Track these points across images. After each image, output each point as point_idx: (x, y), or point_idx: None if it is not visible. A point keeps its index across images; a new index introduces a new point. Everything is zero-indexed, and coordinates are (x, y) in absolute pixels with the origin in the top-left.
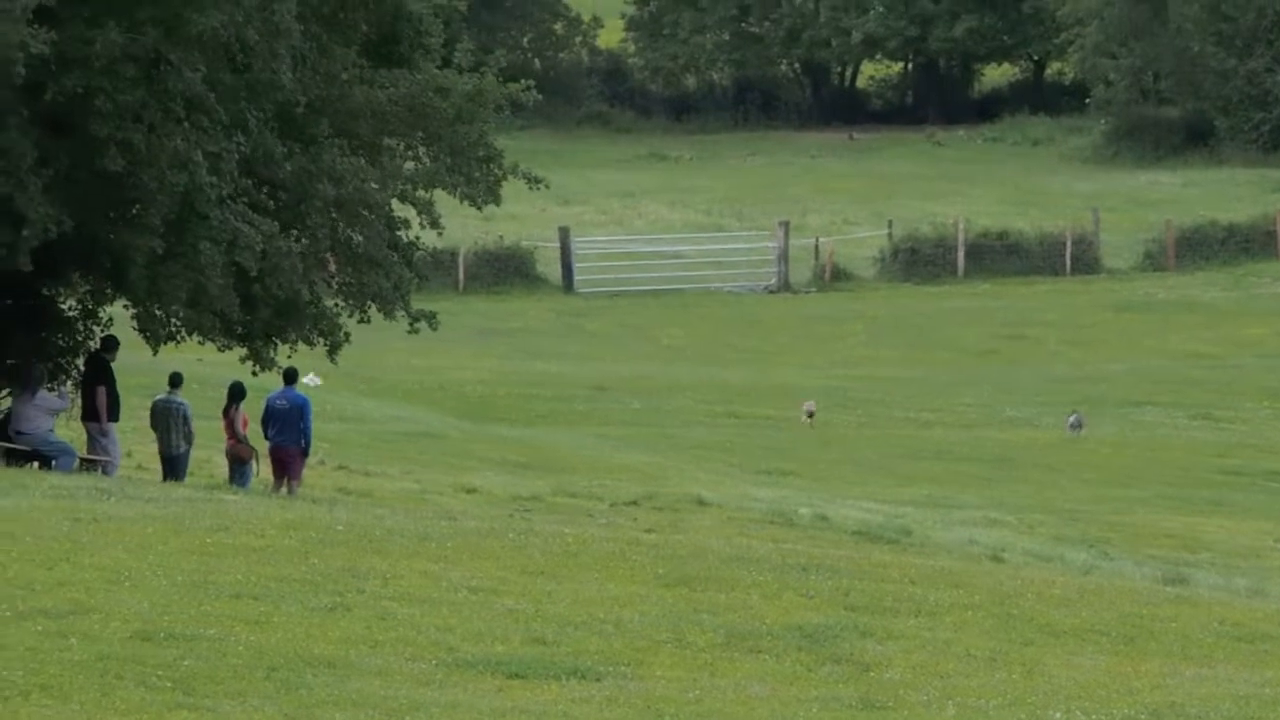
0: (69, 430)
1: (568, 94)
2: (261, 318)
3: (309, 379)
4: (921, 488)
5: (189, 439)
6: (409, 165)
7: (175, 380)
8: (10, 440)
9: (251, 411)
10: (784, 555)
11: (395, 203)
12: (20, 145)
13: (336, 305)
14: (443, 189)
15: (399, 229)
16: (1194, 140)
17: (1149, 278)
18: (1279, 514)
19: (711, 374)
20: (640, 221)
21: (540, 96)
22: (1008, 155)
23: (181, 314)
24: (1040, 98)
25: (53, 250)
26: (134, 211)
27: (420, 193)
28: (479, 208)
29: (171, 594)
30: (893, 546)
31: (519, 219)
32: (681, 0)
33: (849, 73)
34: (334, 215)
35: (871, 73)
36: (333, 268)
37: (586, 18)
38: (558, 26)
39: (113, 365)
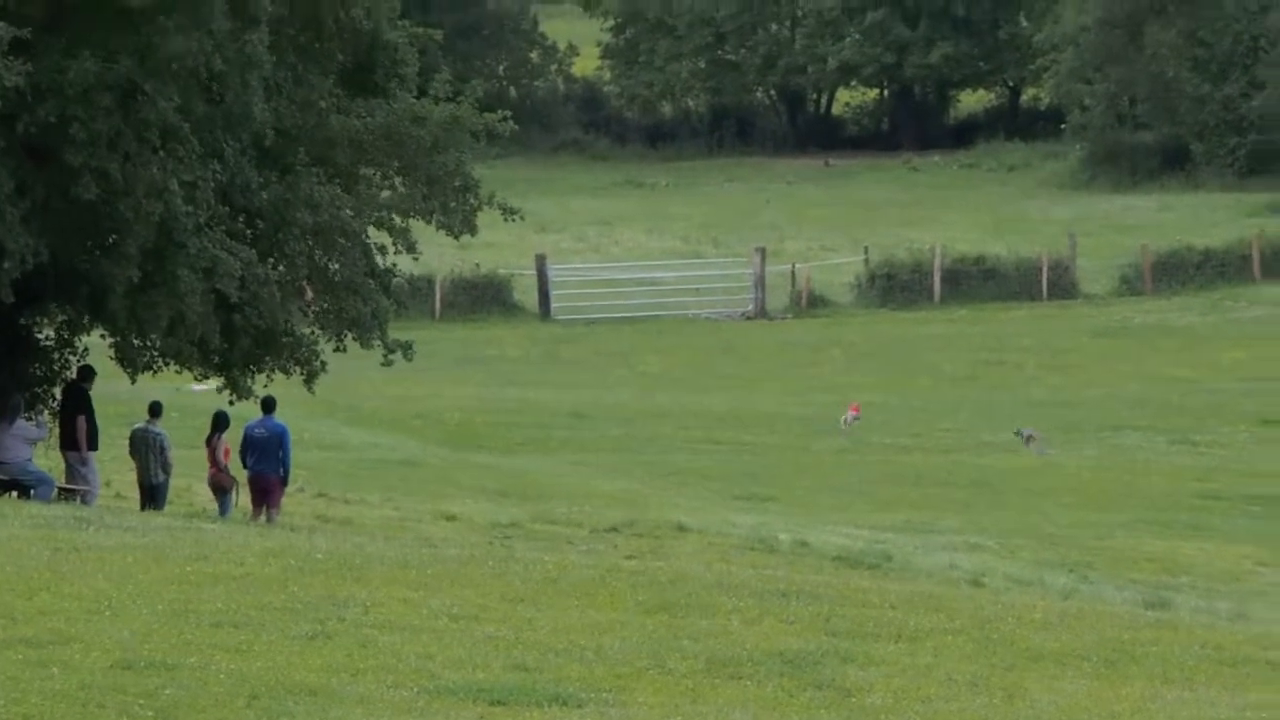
0: (47, 459)
1: (544, 122)
2: (241, 347)
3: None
4: (901, 513)
5: (167, 468)
6: (385, 194)
7: (154, 410)
8: None
9: (231, 440)
10: (765, 581)
11: (372, 230)
12: None
13: (313, 334)
14: (419, 218)
15: (376, 255)
16: (1170, 165)
17: (1126, 302)
18: (1259, 538)
19: (689, 401)
20: (617, 249)
21: (516, 125)
22: (984, 181)
23: (160, 343)
24: (1016, 124)
25: (31, 280)
26: (111, 241)
27: (396, 220)
28: (455, 237)
29: (152, 623)
30: (873, 572)
31: (496, 247)
32: (657, 28)
33: (825, 100)
34: (311, 243)
35: (847, 99)
36: (309, 296)
37: (562, 45)
38: (534, 55)
39: (90, 394)
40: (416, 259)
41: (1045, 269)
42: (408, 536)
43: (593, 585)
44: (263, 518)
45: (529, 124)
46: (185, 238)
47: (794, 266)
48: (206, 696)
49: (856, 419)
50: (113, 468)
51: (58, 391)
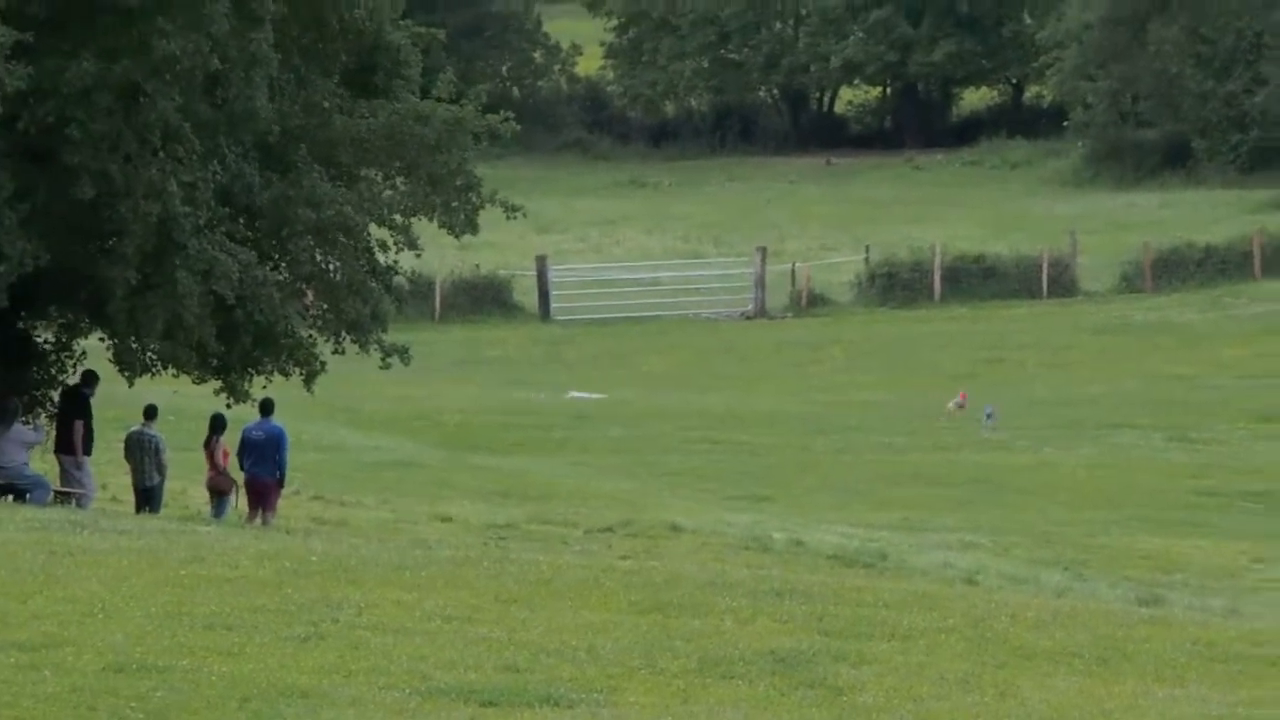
0: (43, 463)
1: (547, 122)
2: (239, 349)
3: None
4: (897, 511)
5: (162, 471)
6: (387, 193)
7: (150, 413)
8: None
9: (230, 443)
10: (758, 580)
11: (373, 228)
12: None
13: (311, 336)
14: (422, 215)
15: (377, 252)
16: (1172, 162)
17: (1126, 300)
18: (1255, 534)
19: (689, 400)
20: (619, 249)
21: (519, 126)
22: (986, 179)
23: (157, 346)
24: (1019, 121)
25: (29, 284)
26: (110, 243)
27: (398, 218)
28: (457, 236)
29: (145, 625)
30: (868, 570)
31: (497, 247)
32: (661, 27)
33: (828, 98)
34: (312, 241)
35: (850, 98)
36: (310, 298)
37: (566, 45)
38: (537, 55)
39: (90, 400)
40: (419, 255)
41: (1046, 267)
42: (402, 538)
43: (586, 586)
44: (258, 520)
45: (532, 124)
46: (184, 239)
47: (794, 266)
48: (198, 699)
49: (961, 406)
50: (109, 471)
51: (55, 395)
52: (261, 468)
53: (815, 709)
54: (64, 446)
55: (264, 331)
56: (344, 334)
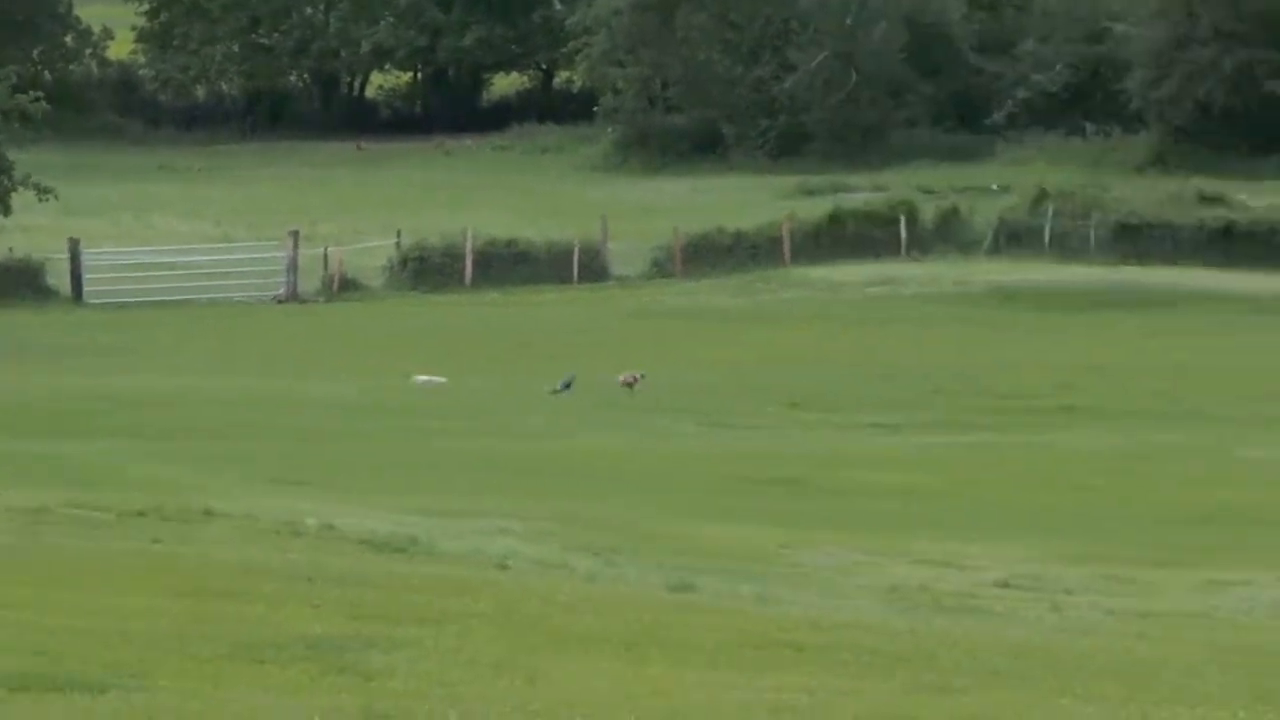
0: None
1: (78, 106)
2: None
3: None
4: (429, 497)
5: None
6: None
7: None
8: None
9: None
10: (290, 566)
11: None
12: None
13: None
14: None
15: None
16: (702, 148)
17: (657, 285)
18: (787, 520)
19: (224, 384)
20: (152, 233)
21: (50, 108)
22: (517, 164)
23: None
24: (549, 107)
25: None
26: None
27: None
28: None
29: None
30: (400, 555)
31: (30, 231)
32: (192, 11)
33: (358, 83)
34: None
35: (381, 83)
36: None
37: (97, 29)
38: (68, 39)
39: None
40: None
41: (577, 252)
42: None
43: (119, 570)
44: None
45: (63, 108)
46: None
47: (326, 250)
48: None
49: (630, 384)
50: None
51: None
52: None
53: (347, 694)
54: None
55: None
56: None
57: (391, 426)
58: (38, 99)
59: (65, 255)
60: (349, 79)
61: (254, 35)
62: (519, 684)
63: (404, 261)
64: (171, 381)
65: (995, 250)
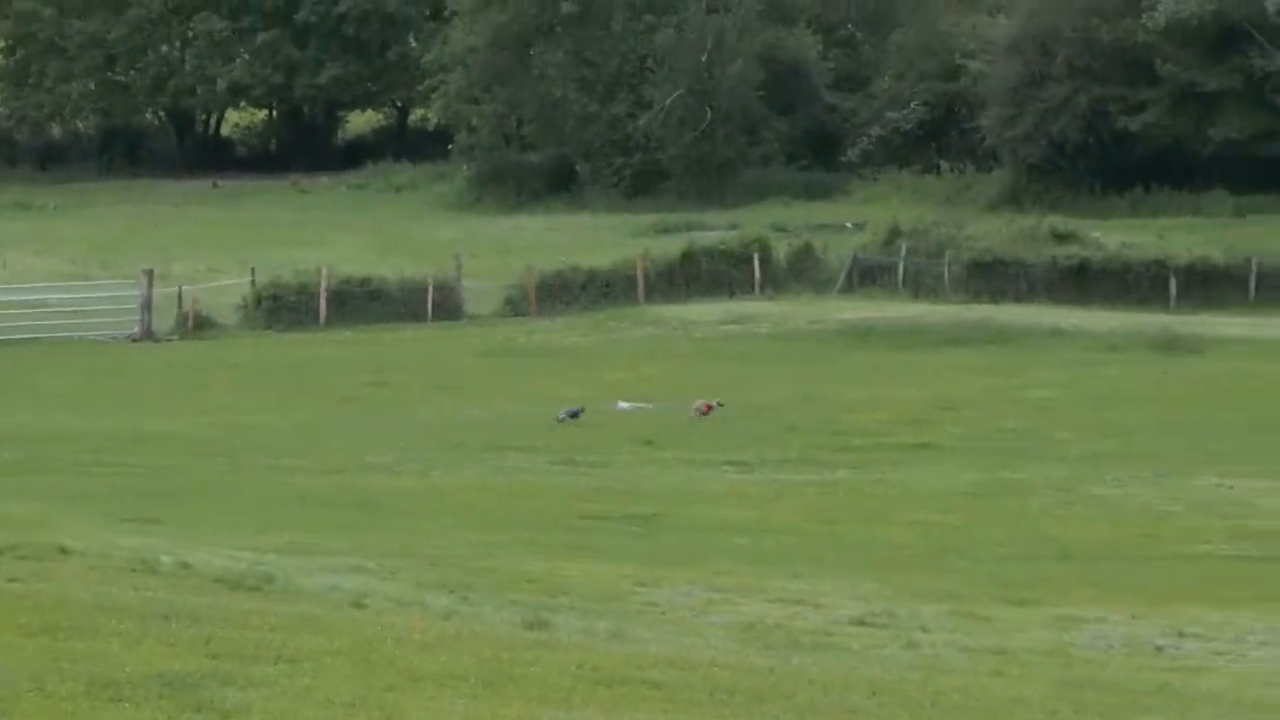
0: None
1: None
2: None
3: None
4: (286, 534)
5: None
6: None
7: None
8: None
9: None
10: (146, 603)
11: None
12: None
13: None
14: None
15: None
16: (557, 185)
17: (511, 323)
18: (639, 557)
19: (78, 423)
20: (4, 271)
21: None
22: (372, 202)
23: None
24: (404, 144)
25: None
26: None
27: None
28: None
29: None
30: (255, 594)
31: None
32: (49, 49)
33: (214, 120)
34: None
35: (236, 120)
36: None
37: None
38: None
39: None
40: None
41: (431, 290)
42: None
43: None
44: None
45: None
46: None
47: (181, 288)
48: None
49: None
50: None
51: None
52: None
53: None
54: None
55: None
56: None
57: (246, 464)
58: None
59: None
60: (204, 116)
61: (110, 73)
62: None
63: (258, 300)
64: (24, 419)
65: (849, 288)
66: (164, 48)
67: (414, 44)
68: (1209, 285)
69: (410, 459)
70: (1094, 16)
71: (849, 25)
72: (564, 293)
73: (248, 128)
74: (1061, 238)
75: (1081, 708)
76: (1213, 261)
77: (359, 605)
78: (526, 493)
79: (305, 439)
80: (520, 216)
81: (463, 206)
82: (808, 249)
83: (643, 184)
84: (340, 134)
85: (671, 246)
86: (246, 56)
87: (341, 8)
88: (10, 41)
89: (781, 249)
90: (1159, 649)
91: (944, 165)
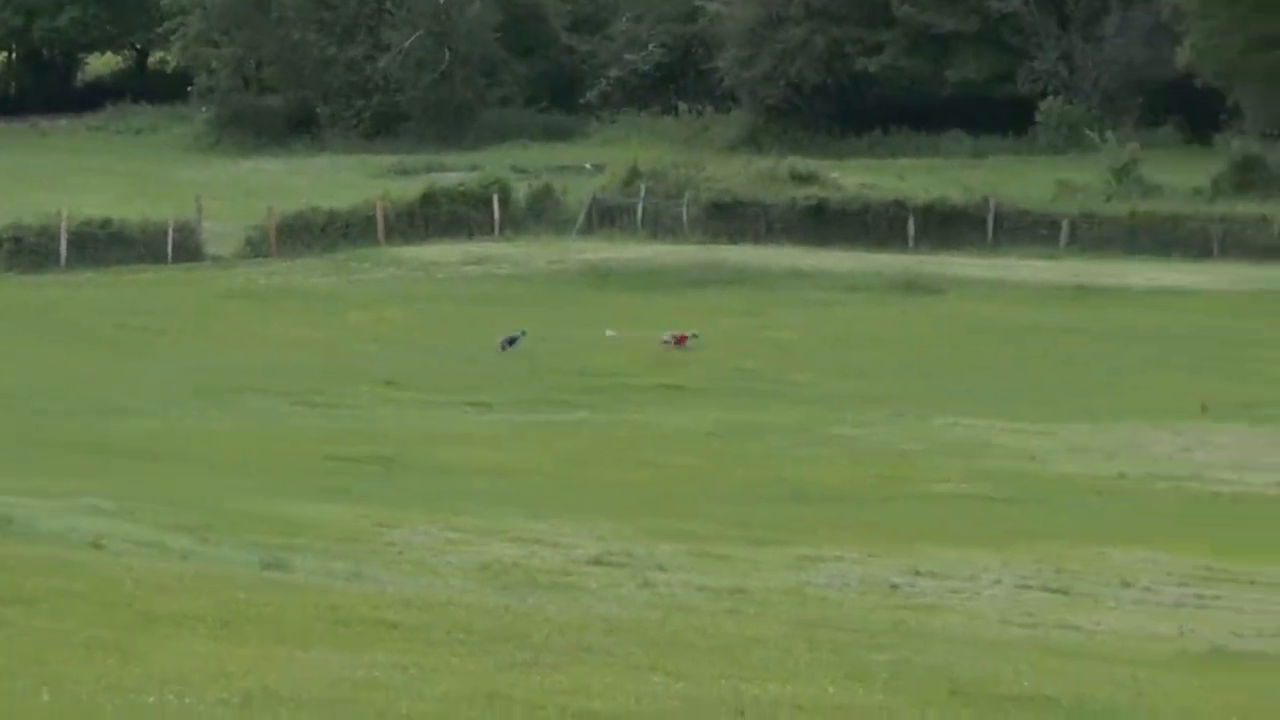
0: None
1: None
2: None
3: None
4: (27, 477)
5: None
6: None
7: None
8: None
9: None
10: None
11: None
12: None
13: None
14: None
15: None
16: (297, 128)
17: (252, 265)
18: (379, 499)
19: None
20: None
21: None
22: (112, 144)
23: None
24: (144, 87)
25: None
26: None
27: None
28: None
29: None
30: None
31: None
32: None
33: None
34: None
35: None
36: None
37: None
38: None
39: None
40: None
41: (171, 232)
42: None
43: None
44: None
45: None
46: None
47: None
48: None
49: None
50: None
51: None
52: None
53: None
54: None
55: None
56: None
57: None
58: None
59: None
60: None
61: None
62: (112, 663)
63: None
64: None
65: (589, 229)
66: None
67: None
68: (947, 226)
69: (153, 402)
70: None
71: None
72: (304, 234)
73: None
74: (801, 179)
75: (816, 645)
76: (951, 202)
77: (97, 546)
78: (268, 435)
79: (49, 382)
80: (260, 158)
81: (202, 149)
82: (547, 190)
83: (382, 126)
84: (80, 76)
85: (411, 188)
86: None
87: None
88: None
89: (521, 190)
90: (894, 587)
91: (682, 107)
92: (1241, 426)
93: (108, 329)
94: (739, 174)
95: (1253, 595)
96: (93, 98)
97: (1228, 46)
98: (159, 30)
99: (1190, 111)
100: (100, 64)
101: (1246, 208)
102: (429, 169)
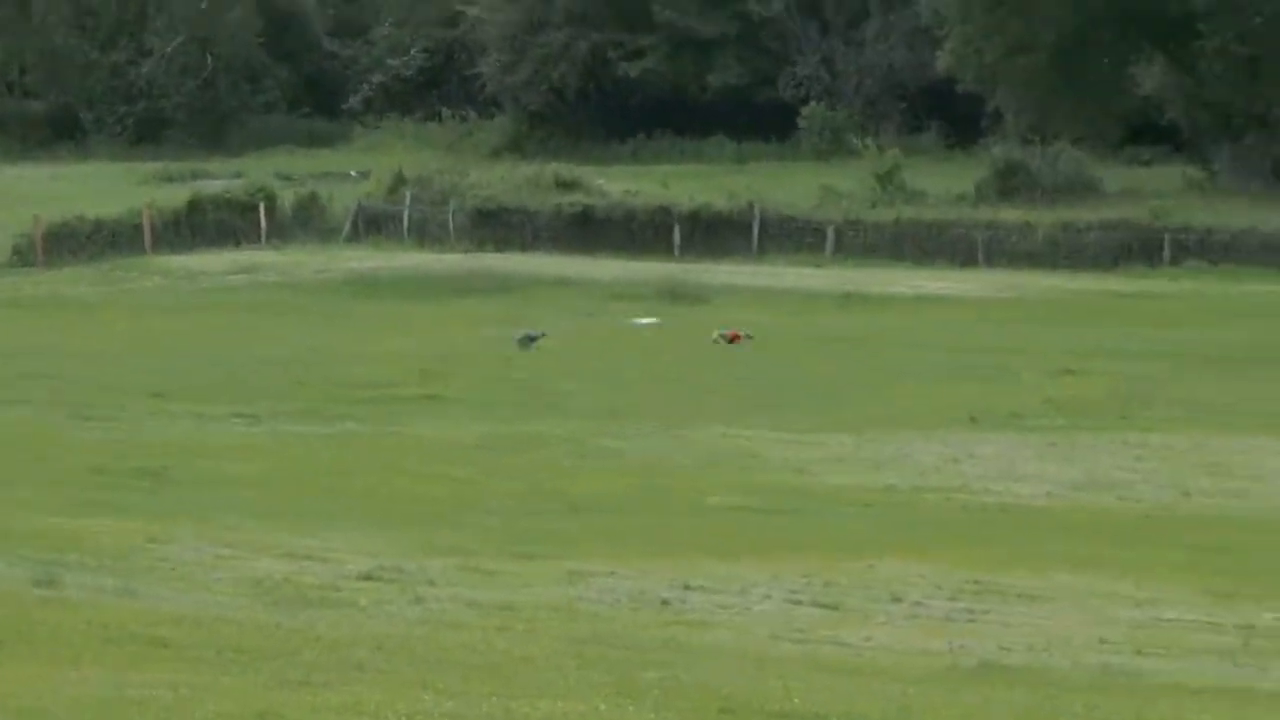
0: None
1: None
2: None
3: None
4: None
5: None
6: None
7: None
8: None
9: None
10: None
11: None
12: None
13: None
14: None
15: None
16: (61, 134)
17: (19, 274)
18: (149, 513)
19: None
20: None
21: None
22: None
23: None
24: None
25: None
26: None
27: None
28: None
29: None
30: None
31: None
32: None
33: None
34: None
35: None
36: None
37: None
38: None
39: None
40: None
41: None
42: None
43: None
44: None
45: None
46: None
47: None
48: None
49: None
50: None
51: None
52: None
53: None
54: None
55: None
56: None
57: None
58: None
59: None
60: None
61: None
62: None
63: None
64: None
65: (355, 237)
66: None
67: None
68: (712, 233)
69: None
70: None
71: None
72: (71, 242)
73: None
74: (565, 185)
75: (586, 662)
76: (716, 209)
77: None
78: (34, 446)
79: None
80: (24, 165)
81: None
82: (313, 198)
83: (147, 132)
84: None
85: (177, 195)
86: None
87: None
88: None
89: (287, 198)
90: (665, 602)
91: (446, 112)
92: (1009, 436)
93: None
94: (503, 181)
95: (1020, 609)
96: None
97: (987, 51)
98: None
99: (952, 117)
100: None
101: (1010, 214)
102: (194, 176)
